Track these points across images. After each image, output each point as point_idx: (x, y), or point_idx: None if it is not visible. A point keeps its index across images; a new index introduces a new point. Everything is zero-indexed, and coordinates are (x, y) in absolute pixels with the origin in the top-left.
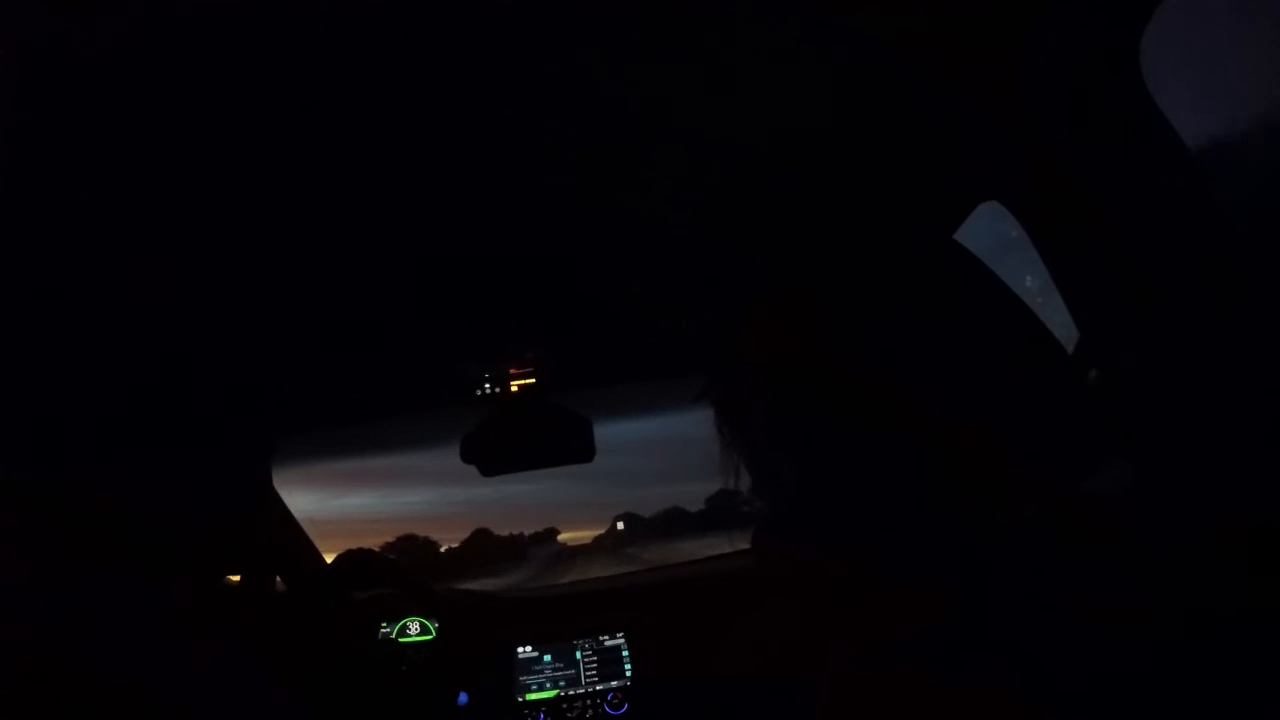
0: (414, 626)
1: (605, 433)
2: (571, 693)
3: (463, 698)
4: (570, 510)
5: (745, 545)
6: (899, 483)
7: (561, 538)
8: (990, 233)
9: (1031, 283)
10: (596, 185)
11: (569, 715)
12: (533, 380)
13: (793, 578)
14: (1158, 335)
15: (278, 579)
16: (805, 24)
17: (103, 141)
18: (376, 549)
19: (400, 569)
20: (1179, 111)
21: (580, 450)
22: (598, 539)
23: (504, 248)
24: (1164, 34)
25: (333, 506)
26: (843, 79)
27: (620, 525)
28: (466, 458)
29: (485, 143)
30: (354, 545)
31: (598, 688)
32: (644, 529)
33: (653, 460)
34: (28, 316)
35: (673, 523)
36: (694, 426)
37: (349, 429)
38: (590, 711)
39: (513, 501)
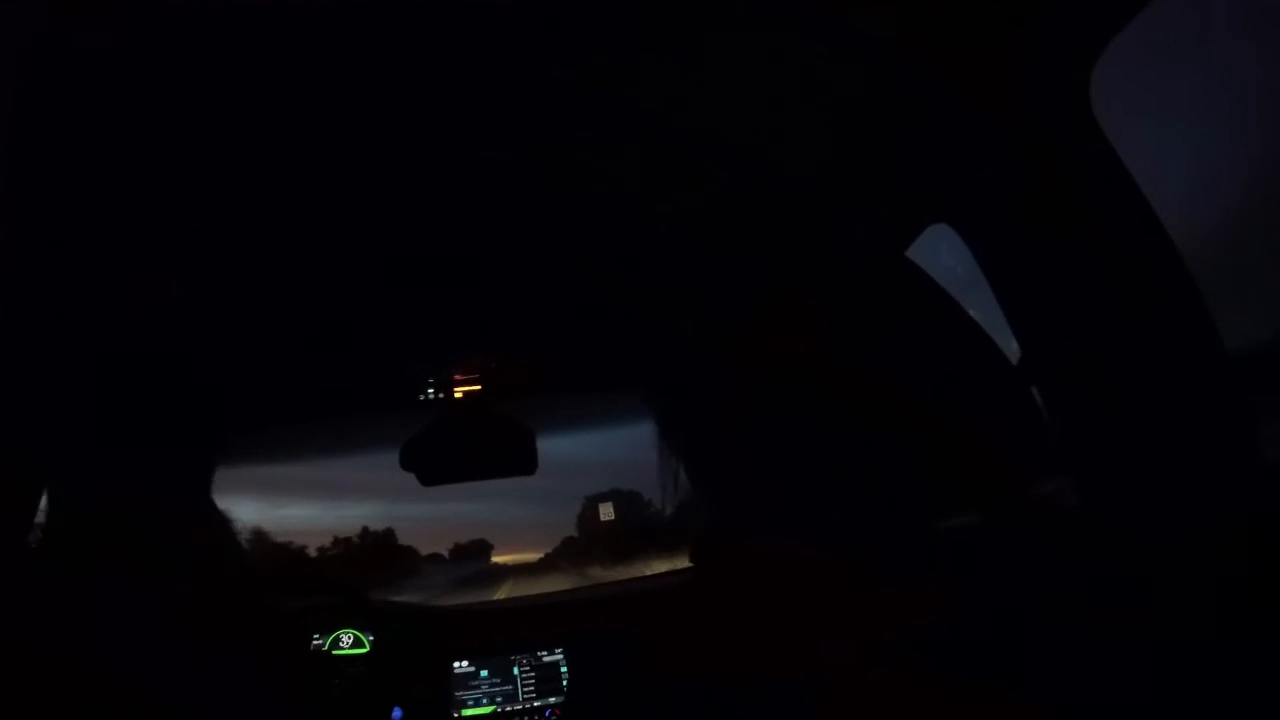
0: (347, 639)
1: (553, 451)
2: (509, 709)
3: (397, 713)
4: (517, 531)
5: (685, 563)
6: (891, 481)
7: (507, 559)
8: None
9: (976, 315)
10: (591, 184)
11: None
12: (478, 387)
13: (745, 579)
14: (1157, 334)
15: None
16: (806, 24)
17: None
18: (311, 557)
19: (334, 578)
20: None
21: (522, 462)
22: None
23: (481, 248)
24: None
25: (272, 517)
26: (842, 79)
27: (606, 514)
28: (406, 464)
29: (473, 142)
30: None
31: (535, 704)
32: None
33: (606, 483)
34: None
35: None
36: (648, 444)
37: (288, 431)
38: None
39: (455, 519)
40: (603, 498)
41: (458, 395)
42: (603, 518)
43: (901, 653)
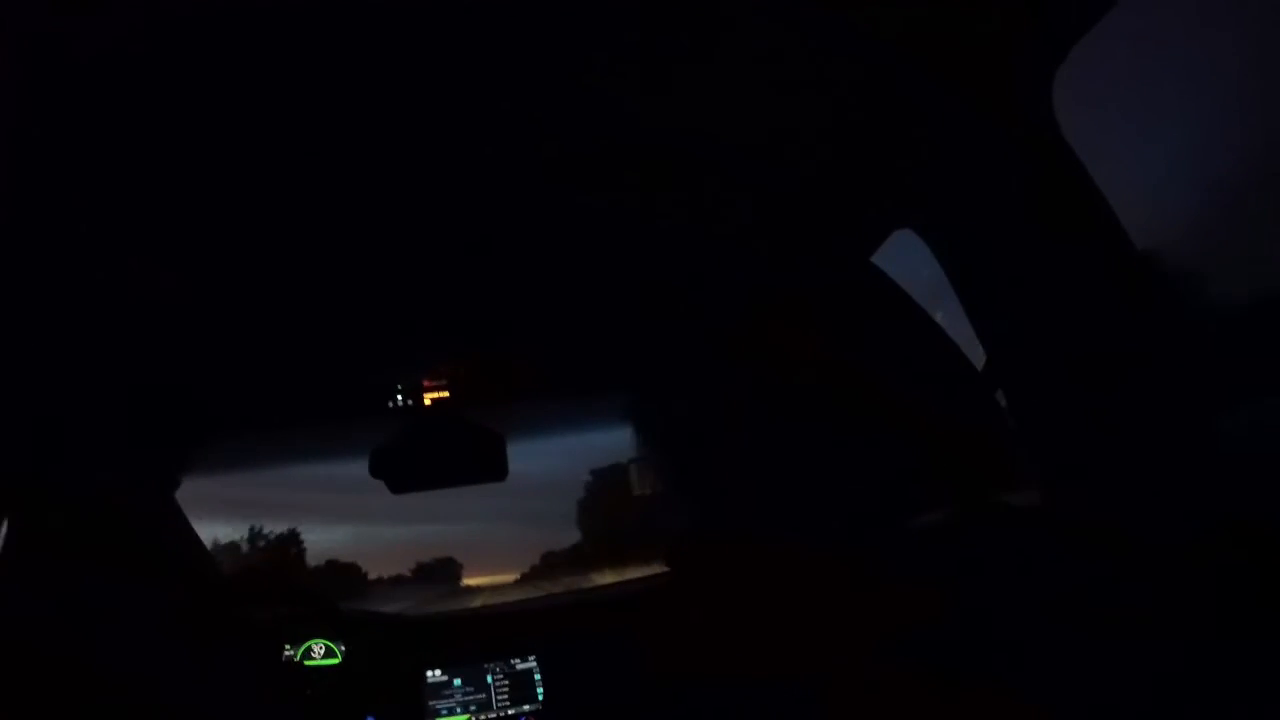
0: (319, 649)
1: (524, 469)
2: (483, 717)
3: None
4: (490, 551)
5: (657, 568)
6: (890, 480)
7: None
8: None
9: (942, 318)
10: (585, 183)
11: None
12: (446, 393)
13: (734, 580)
14: (1152, 332)
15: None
16: (807, 24)
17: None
18: (282, 569)
19: (304, 587)
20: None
21: (492, 468)
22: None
23: (463, 249)
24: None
25: (242, 541)
26: (842, 78)
27: (642, 483)
28: (375, 472)
29: (459, 140)
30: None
31: (509, 712)
32: None
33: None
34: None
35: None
36: (624, 453)
37: (254, 440)
38: None
39: (428, 541)
40: (623, 468)
41: (426, 401)
42: (637, 490)
43: (901, 652)
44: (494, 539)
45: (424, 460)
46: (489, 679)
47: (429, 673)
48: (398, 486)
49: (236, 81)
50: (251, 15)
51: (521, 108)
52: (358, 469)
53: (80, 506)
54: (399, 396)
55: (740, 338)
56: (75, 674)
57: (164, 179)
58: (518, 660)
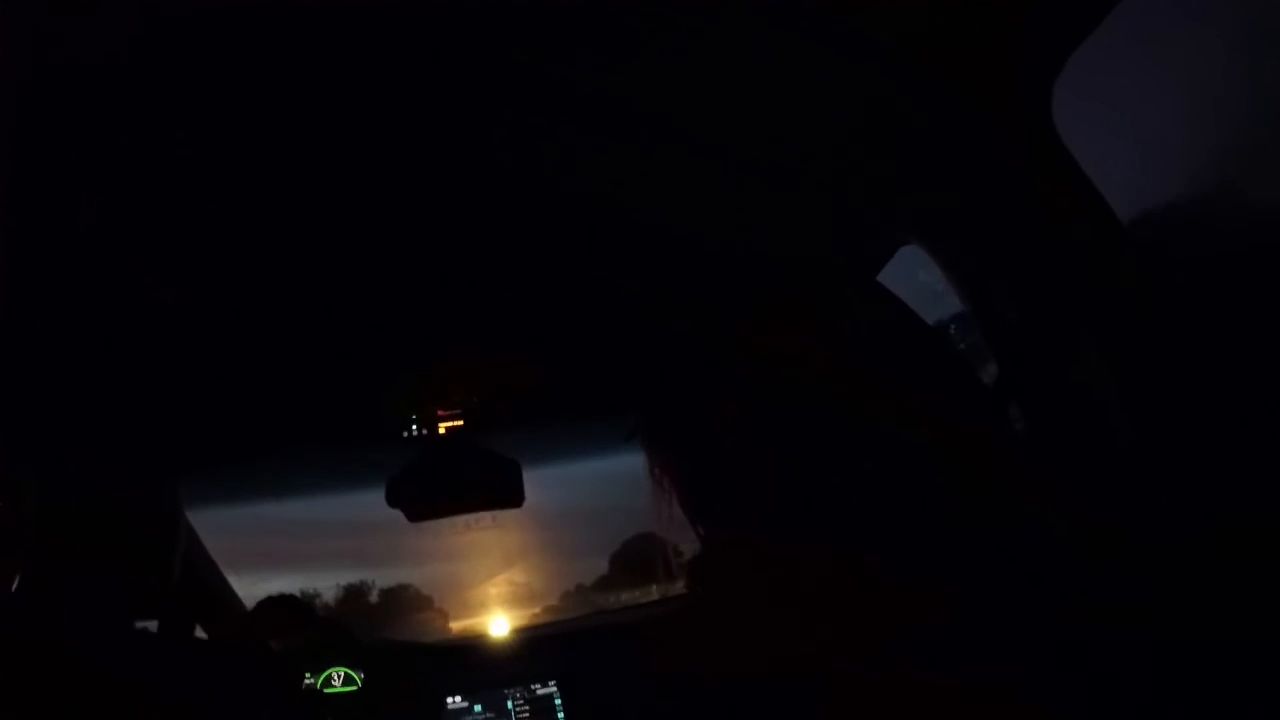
0: (338, 676)
1: (540, 498)
2: None
3: None
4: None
5: (679, 590)
6: (896, 482)
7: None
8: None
9: (955, 332)
10: (588, 191)
11: None
12: (460, 421)
13: (748, 591)
14: (1161, 334)
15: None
16: (806, 27)
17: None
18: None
19: (324, 616)
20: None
21: (508, 495)
22: None
23: (470, 262)
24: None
25: (254, 593)
26: (844, 87)
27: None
28: (392, 501)
29: (465, 149)
30: None
31: None
32: None
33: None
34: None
35: None
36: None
37: (268, 471)
38: None
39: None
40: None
41: (441, 430)
42: (651, 509)
43: (904, 654)
44: (510, 572)
45: (441, 488)
46: (509, 704)
47: (449, 699)
48: (415, 515)
49: (238, 86)
50: (253, 18)
51: (523, 117)
52: (372, 503)
53: (99, 529)
54: (414, 426)
55: (746, 345)
56: (92, 700)
57: (167, 186)
58: (538, 685)
